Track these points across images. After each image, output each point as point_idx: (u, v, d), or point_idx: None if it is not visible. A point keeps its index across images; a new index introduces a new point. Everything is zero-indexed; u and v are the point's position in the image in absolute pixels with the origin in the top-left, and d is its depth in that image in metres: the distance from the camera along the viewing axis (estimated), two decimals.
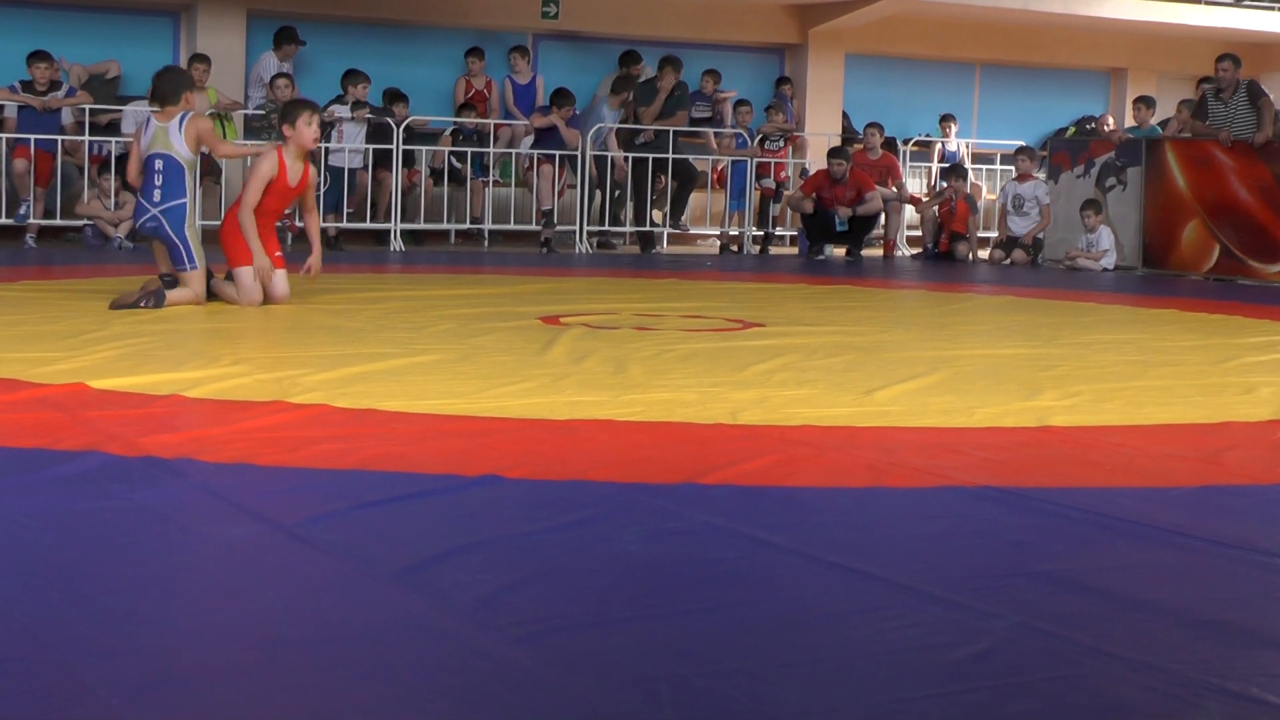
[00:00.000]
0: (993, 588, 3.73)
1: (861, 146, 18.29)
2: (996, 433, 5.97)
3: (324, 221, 15.89)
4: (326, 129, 16.12)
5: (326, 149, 16.05)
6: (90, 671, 2.95)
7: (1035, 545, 4.23)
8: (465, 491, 4.61)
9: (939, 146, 19.93)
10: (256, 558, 3.87)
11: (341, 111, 16.18)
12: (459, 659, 3.12)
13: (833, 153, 17.38)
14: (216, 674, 2.99)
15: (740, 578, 3.79)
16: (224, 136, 15.89)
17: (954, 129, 20.08)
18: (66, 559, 3.78)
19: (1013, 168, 17.85)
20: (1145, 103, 18.14)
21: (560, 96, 17.09)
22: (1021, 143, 18.98)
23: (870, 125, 18.43)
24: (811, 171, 18.00)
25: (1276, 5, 21.31)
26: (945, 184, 17.94)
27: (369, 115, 16.24)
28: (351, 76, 16.41)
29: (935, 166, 19.60)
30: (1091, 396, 6.92)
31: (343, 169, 16.10)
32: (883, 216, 17.72)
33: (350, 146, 16.13)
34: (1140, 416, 6.46)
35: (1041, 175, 17.92)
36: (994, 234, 17.80)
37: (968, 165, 18.87)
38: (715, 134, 18.43)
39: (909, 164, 19.12)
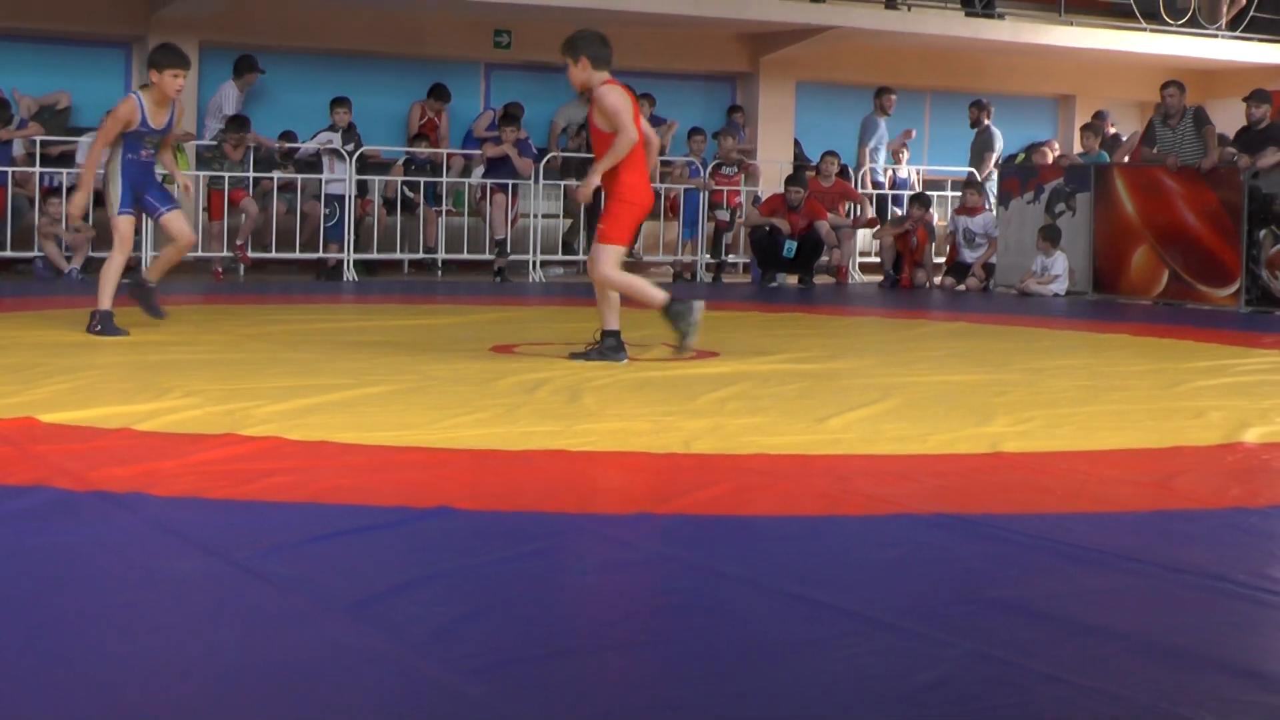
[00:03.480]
0: (946, 615, 3.73)
1: (814, 174, 18.34)
2: (949, 459, 5.98)
3: (276, 251, 15.85)
4: (312, 162, 16.09)
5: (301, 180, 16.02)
6: (40, 708, 2.93)
7: (988, 572, 4.24)
8: (418, 523, 4.60)
9: (890, 173, 19.99)
10: (208, 592, 3.84)
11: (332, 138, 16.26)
12: (413, 692, 3.10)
13: (790, 180, 17.44)
14: (168, 710, 2.96)
15: (695, 608, 3.79)
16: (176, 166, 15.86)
17: (905, 156, 20.15)
18: (16, 595, 3.76)
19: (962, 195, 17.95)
20: (1093, 130, 18.25)
21: (508, 118, 17.10)
22: (971, 169, 19.11)
23: (827, 153, 18.49)
24: (764, 198, 18.04)
25: (1222, 33, 21.48)
26: (908, 212, 18.00)
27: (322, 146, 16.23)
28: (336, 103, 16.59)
29: (888, 193, 19.65)
30: (1043, 422, 6.95)
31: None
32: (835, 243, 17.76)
33: (304, 175, 16.11)
34: (1092, 442, 6.48)
35: (989, 205, 18.03)
36: (942, 259, 17.91)
37: (919, 192, 18.96)
38: (664, 163, 18.44)
39: (859, 190, 19.15)
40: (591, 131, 9.11)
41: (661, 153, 18.48)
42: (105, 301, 9.70)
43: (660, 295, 8.94)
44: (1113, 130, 19.33)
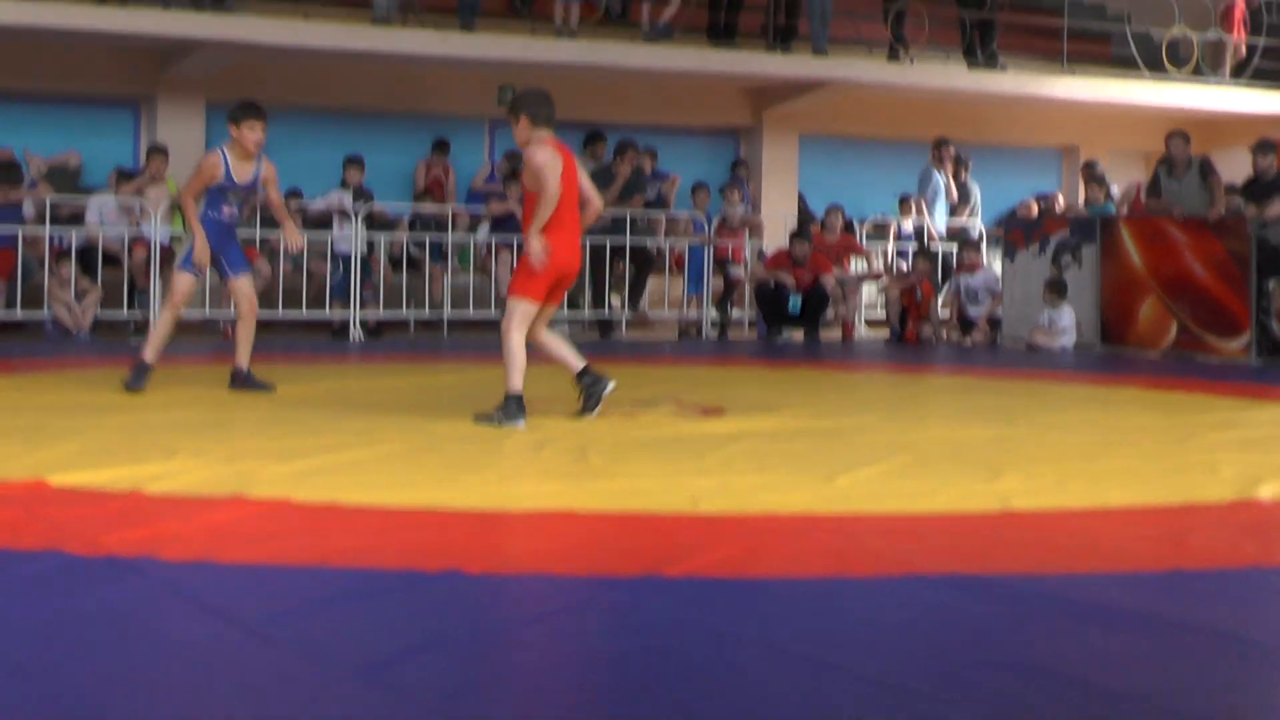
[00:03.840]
0: (959, 678, 3.71)
1: (819, 228, 18.35)
2: (958, 517, 5.96)
3: (282, 310, 15.85)
4: (320, 220, 16.11)
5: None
6: None
7: (1000, 633, 4.22)
8: (427, 586, 4.58)
9: (894, 226, 19.98)
10: (218, 656, 3.83)
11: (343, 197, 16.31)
12: None
13: (794, 236, 17.45)
14: None
15: (705, 672, 3.77)
16: (183, 226, 15.90)
17: (913, 209, 20.09)
18: (26, 660, 3.75)
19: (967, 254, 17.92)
20: (1097, 181, 18.26)
21: (514, 174, 17.14)
22: (973, 226, 19.15)
23: (831, 207, 18.51)
24: (769, 253, 18.05)
25: (1225, 82, 21.51)
26: (913, 266, 18.00)
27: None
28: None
29: (892, 246, 19.65)
30: (1053, 478, 6.92)
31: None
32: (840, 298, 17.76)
33: (311, 235, 16.14)
34: (1103, 498, 6.45)
35: (992, 259, 18.04)
36: (948, 312, 17.90)
37: (923, 245, 18.95)
38: (668, 218, 18.45)
39: (865, 244, 19.14)
40: (521, 190, 9.05)
41: (665, 207, 18.54)
42: (149, 353, 9.90)
43: (516, 385, 8.63)
44: None
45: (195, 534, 5.29)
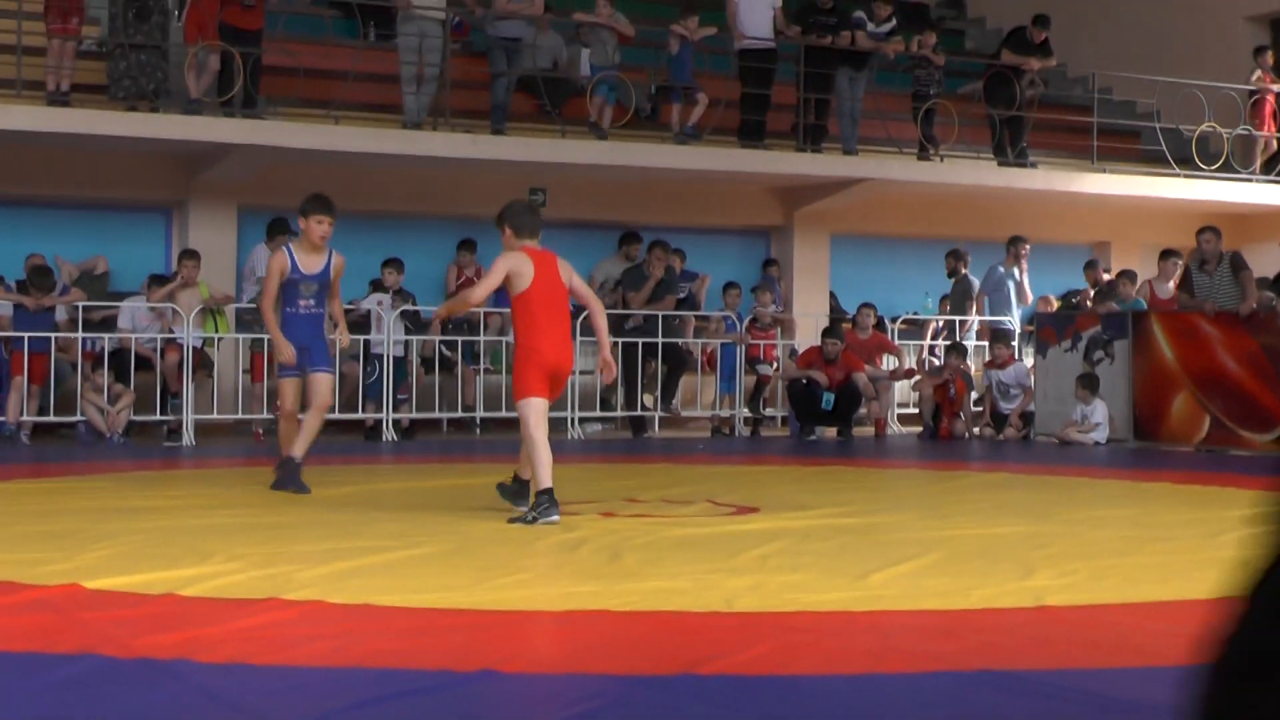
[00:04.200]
0: None
1: (850, 326, 18.38)
2: (993, 614, 5.95)
3: None
4: (358, 322, 16.19)
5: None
6: None
7: None
8: (462, 688, 4.59)
9: (933, 324, 20.00)
10: None
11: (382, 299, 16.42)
12: None
13: (826, 333, 17.49)
14: None
15: None
16: (215, 329, 16.01)
17: (949, 308, 20.07)
18: None
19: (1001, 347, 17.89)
20: (1128, 277, 18.26)
21: None
22: (1003, 318, 19.14)
23: (864, 305, 18.54)
24: (801, 351, 18.08)
25: (1255, 177, 21.54)
26: (945, 362, 18.01)
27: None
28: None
29: (927, 343, 19.66)
30: (1087, 574, 6.91)
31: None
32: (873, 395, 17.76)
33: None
34: (1137, 594, 6.44)
35: (1024, 356, 18.03)
36: (981, 409, 17.88)
37: (955, 341, 18.94)
38: (697, 317, 18.51)
39: (897, 341, 19.16)
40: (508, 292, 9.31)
41: (695, 307, 18.61)
42: (296, 450, 10.17)
43: (545, 480, 8.71)
44: (1107, 278, 19.32)
45: (231, 637, 5.30)
